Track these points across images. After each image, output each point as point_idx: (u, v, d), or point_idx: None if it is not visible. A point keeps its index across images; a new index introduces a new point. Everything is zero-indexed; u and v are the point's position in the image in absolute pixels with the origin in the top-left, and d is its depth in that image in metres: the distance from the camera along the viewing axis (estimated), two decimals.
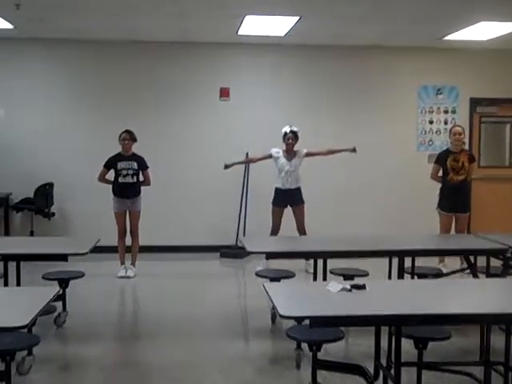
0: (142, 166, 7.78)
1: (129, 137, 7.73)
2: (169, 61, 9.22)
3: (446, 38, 8.56)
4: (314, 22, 7.74)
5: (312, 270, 7.49)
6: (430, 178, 7.86)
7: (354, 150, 8.07)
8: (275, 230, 7.98)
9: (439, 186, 7.83)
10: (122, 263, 7.81)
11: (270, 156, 8.03)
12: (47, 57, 9.13)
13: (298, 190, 8.01)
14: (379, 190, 9.49)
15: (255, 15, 7.37)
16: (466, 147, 7.89)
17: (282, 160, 7.95)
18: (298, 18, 7.43)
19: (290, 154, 7.96)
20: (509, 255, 5.44)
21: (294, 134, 7.96)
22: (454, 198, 7.67)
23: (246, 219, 9.26)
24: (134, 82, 9.16)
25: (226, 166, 8.07)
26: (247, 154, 9.11)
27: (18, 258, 5.37)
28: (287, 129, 7.98)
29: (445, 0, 6.57)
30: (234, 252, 8.93)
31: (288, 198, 7.97)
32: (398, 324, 3.66)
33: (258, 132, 9.21)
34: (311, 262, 7.69)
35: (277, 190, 8.01)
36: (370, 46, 9.28)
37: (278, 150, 8.02)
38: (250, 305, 6.84)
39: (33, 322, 3.35)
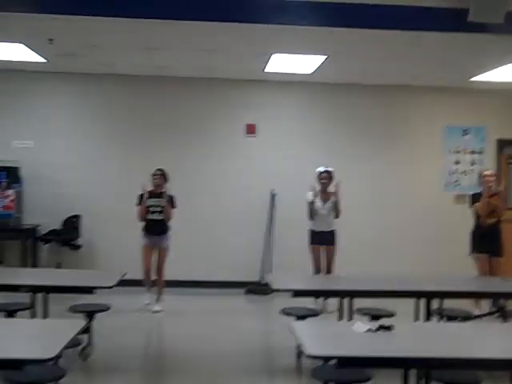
0: (169, 202, 7.81)
1: (160, 173, 7.80)
2: (196, 96, 9.34)
3: (473, 79, 8.58)
4: (340, 62, 7.82)
5: (332, 309, 7.48)
6: (483, 213, 7.50)
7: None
8: (317, 268, 7.91)
9: (468, 226, 7.71)
10: (149, 291, 7.82)
11: (310, 201, 7.88)
12: (78, 90, 9.30)
13: (332, 232, 7.96)
14: (406, 230, 9.42)
15: (282, 53, 7.47)
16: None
17: (318, 203, 7.90)
18: (325, 57, 7.52)
19: (324, 194, 7.90)
20: None
21: (329, 173, 7.95)
22: (487, 241, 7.55)
23: (272, 256, 9.23)
24: (161, 118, 9.28)
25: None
26: (272, 191, 9.16)
27: (46, 290, 5.41)
28: (321, 168, 7.97)
29: (471, 41, 6.59)
30: (259, 288, 8.89)
31: (323, 239, 7.92)
32: (427, 367, 3.61)
33: (284, 169, 9.26)
34: (329, 301, 7.66)
35: (311, 232, 7.97)
36: (396, 86, 9.33)
37: (311, 193, 7.88)
38: (276, 342, 6.78)
39: (59, 355, 3.35)
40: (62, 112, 9.30)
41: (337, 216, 7.90)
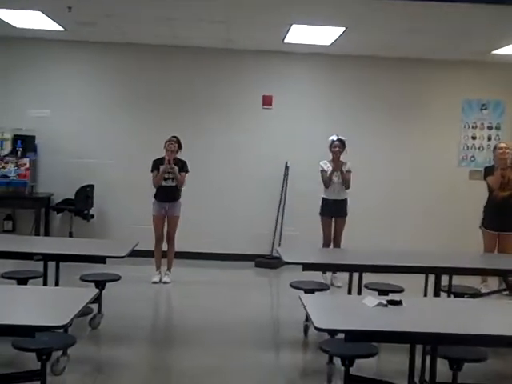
0: (182, 168, 7.81)
1: (175, 140, 7.80)
2: (213, 67, 9.28)
3: (494, 52, 8.45)
4: (360, 33, 7.73)
5: (339, 284, 7.51)
6: (496, 186, 7.45)
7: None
8: (327, 241, 7.94)
9: (482, 203, 7.66)
10: (158, 268, 7.87)
11: (323, 170, 7.93)
12: (95, 60, 9.26)
13: (345, 201, 7.97)
14: (418, 204, 9.38)
15: (302, 24, 7.39)
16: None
17: (330, 171, 7.90)
18: (344, 28, 7.44)
19: (336, 163, 7.89)
20: None
21: (341, 142, 7.92)
22: (499, 216, 7.49)
23: (283, 228, 9.24)
24: (177, 88, 9.24)
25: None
26: (286, 164, 9.15)
27: (58, 259, 5.44)
28: (334, 137, 7.94)
29: (496, 13, 6.45)
30: (269, 262, 8.92)
31: (335, 209, 7.93)
32: (434, 342, 3.62)
33: (299, 141, 9.23)
34: (337, 275, 7.69)
35: (324, 201, 7.98)
36: (416, 59, 9.20)
37: (325, 162, 7.95)
38: (284, 315, 6.82)
39: (69, 324, 3.39)
40: (78, 82, 9.28)
41: (347, 187, 7.88)
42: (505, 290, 6.06)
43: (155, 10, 6.96)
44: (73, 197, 8.98)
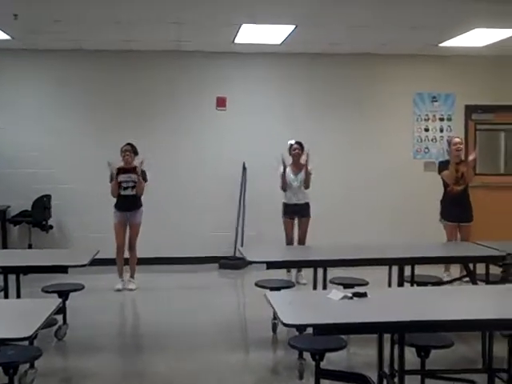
0: (141, 177, 7.74)
1: (130, 149, 7.73)
2: (166, 70, 9.23)
3: (442, 44, 8.62)
4: (310, 31, 7.79)
5: (304, 281, 7.56)
6: (451, 182, 7.60)
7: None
8: (289, 242, 7.97)
9: (438, 194, 7.81)
10: (120, 276, 7.80)
11: (285, 166, 7.86)
12: (45, 68, 9.13)
13: (307, 205, 8.00)
14: (377, 199, 9.47)
15: (251, 24, 7.41)
16: (463, 157, 7.83)
17: (290, 175, 7.92)
18: (294, 26, 7.48)
19: (296, 166, 7.93)
20: (507, 262, 5.45)
21: (300, 144, 7.98)
22: (457, 209, 7.66)
23: (244, 229, 9.25)
24: (130, 93, 9.16)
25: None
26: (244, 164, 9.17)
27: (18, 271, 5.35)
28: (292, 141, 8.00)
29: (440, 7, 6.59)
30: (232, 263, 8.92)
31: (297, 211, 7.97)
32: (402, 331, 3.67)
33: (255, 142, 9.24)
34: (303, 273, 7.75)
35: (285, 205, 8.01)
36: (365, 54, 9.31)
37: (282, 164, 7.86)
38: (251, 315, 6.84)
39: (35, 335, 3.34)
40: (30, 91, 9.13)
41: (306, 187, 7.92)
42: (465, 276, 6.17)
43: (104, 13, 6.86)
44: (30, 208, 8.83)
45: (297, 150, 7.94)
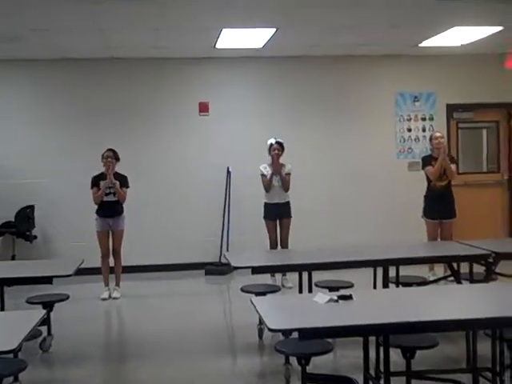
0: (123, 184, 7.72)
1: (112, 155, 7.69)
2: (148, 77, 9.21)
3: (421, 44, 8.67)
4: (290, 33, 7.80)
5: (290, 285, 7.55)
6: (434, 178, 7.66)
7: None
8: (273, 245, 7.98)
9: (422, 193, 7.84)
10: (106, 285, 7.76)
11: (262, 174, 7.95)
12: (24, 78, 9.09)
13: (287, 203, 8.00)
14: (361, 200, 9.50)
15: (232, 28, 7.43)
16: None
17: (269, 175, 7.92)
18: (274, 29, 7.50)
19: (276, 166, 7.91)
20: (491, 260, 5.48)
21: (280, 144, 7.95)
22: (439, 205, 7.70)
23: (229, 233, 9.24)
24: (112, 101, 9.12)
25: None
26: (228, 169, 9.16)
27: (2, 283, 5.31)
28: (272, 140, 7.97)
29: (418, 6, 6.64)
30: (218, 268, 8.90)
31: (278, 211, 7.96)
32: (387, 333, 3.68)
33: (239, 146, 9.23)
34: (288, 276, 7.74)
35: (266, 205, 8.01)
36: (346, 56, 9.33)
37: (265, 166, 7.97)
38: (238, 321, 6.83)
39: (19, 348, 3.30)
40: (9, 101, 9.07)
41: (286, 190, 7.93)
42: (450, 276, 6.19)
43: (82, 21, 6.82)
44: (13, 219, 8.77)
45: (276, 151, 7.92)
